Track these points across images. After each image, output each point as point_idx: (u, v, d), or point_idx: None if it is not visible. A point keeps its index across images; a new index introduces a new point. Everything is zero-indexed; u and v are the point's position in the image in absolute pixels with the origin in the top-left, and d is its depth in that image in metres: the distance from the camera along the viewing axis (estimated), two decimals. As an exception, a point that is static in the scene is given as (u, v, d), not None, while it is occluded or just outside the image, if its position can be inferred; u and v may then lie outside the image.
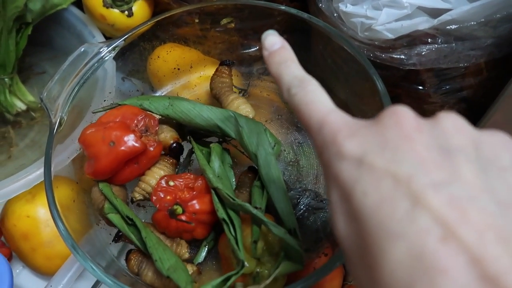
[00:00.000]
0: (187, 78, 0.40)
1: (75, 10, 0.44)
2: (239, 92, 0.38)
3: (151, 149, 0.28)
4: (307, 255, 0.27)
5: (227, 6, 0.37)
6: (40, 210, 0.33)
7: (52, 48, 0.46)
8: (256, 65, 0.42)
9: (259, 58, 0.42)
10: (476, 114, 0.35)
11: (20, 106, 0.42)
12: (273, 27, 0.39)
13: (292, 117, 0.37)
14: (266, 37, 0.20)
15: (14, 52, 0.41)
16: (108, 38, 0.45)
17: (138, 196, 0.30)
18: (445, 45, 0.30)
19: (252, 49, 0.42)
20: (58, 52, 0.46)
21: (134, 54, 0.39)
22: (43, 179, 0.31)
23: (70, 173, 0.33)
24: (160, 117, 0.33)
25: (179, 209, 0.26)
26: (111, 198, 0.29)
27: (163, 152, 0.32)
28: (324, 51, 0.37)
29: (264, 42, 0.20)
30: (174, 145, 0.32)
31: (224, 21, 0.40)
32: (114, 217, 0.28)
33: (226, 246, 0.27)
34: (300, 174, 0.33)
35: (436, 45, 0.30)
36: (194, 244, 0.30)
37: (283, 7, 0.34)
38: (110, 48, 0.34)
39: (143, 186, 0.30)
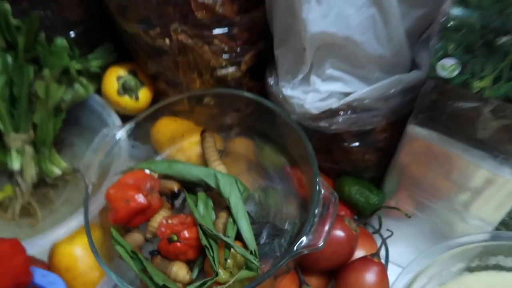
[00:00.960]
0: (181, 144, 0.53)
1: (96, 97, 0.59)
2: (219, 152, 0.52)
3: (154, 203, 0.41)
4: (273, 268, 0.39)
5: (207, 92, 0.52)
6: (78, 249, 0.46)
7: (79, 126, 0.60)
8: (233, 130, 0.56)
9: (235, 124, 0.55)
10: (388, 159, 0.48)
11: (57, 171, 0.56)
12: (242, 101, 0.54)
13: (258, 169, 0.50)
14: None
15: (52, 131, 0.55)
16: (121, 115, 0.59)
17: (149, 235, 0.43)
18: (354, 115, 0.44)
19: (228, 118, 0.56)
20: (84, 129, 0.60)
21: (140, 129, 0.53)
22: (79, 226, 0.45)
23: (98, 221, 0.46)
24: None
25: (175, 237, 0.39)
26: (120, 240, 0.42)
27: (163, 196, 0.45)
28: (280, 121, 0.51)
29: None
30: (176, 191, 0.45)
31: (206, 100, 0.54)
32: (120, 250, 0.41)
33: (209, 265, 0.39)
34: (263, 211, 0.46)
35: (347, 116, 0.44)
36: (189, 266, 0.42)
37: (243, 94, 0.48)
38: (124, 129, 0.48)
39: (150, 229, 0.43)
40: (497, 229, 0.44)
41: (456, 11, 0.29)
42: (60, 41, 0.52)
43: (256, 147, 0.53)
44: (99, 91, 0.59)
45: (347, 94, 0.44)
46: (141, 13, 0.47)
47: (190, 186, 0.47)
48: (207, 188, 0.46)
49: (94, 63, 0.56)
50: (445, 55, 0.31)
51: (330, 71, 0.43)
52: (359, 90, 0.43)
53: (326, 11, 0.40)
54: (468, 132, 0.39)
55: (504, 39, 0.28)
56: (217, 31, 0.48)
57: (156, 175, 0.47)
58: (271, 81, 0.49)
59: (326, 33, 0.40)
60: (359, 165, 0.49)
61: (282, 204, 0.47)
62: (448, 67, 0.31)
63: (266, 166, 0.51)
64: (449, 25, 0.30)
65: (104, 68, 0.57)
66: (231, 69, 0.50)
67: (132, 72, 0.57)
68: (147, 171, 0.47)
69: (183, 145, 0.53)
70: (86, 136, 0.57)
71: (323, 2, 0.40)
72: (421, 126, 0.42)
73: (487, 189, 0.40)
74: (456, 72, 0.31)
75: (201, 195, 0.45)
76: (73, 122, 0.59)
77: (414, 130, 0.42)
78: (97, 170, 0.45)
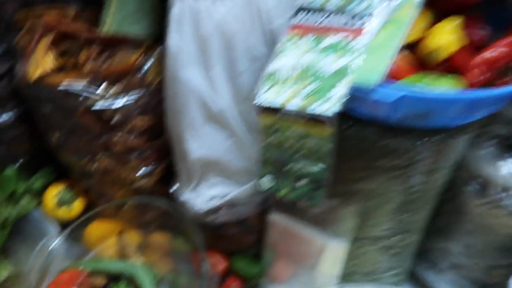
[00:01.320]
0: (108, 242, 0.67)
1: (38, 210, 0.72)
2: (140, 245, 0.66)
3: (83, 294, 0.55)
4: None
5: (125, 201, 0.68)
6: None
7: (23, 234, 0.72)
8: (151, 226, 0.71)
9: (153, 221, 0.71)
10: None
11: (4, 274, 0.67)
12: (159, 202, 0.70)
13: (171, 256, 0.65)
14: None
15: (0, 242, 0.67)
16: (59, 221, 0.72)
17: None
18: (232, 209, 0.62)
19: (147, 216, 0.71)
20: (27, 237, 0.72)
21: (75, 234, 0.66)
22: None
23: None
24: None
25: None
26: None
27: None
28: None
29: None
30: (103, 286, 0.59)
31: (127, 206, 0.70)
32: None
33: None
34: (172, 289, 0.60)
35: (227, 210, 0.61)
36: None
37: (151, 202, 0.64)
38: (60, 237, 0.62)
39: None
40: (342, 281, 0.61)
41: (264, 150, 0.49)
42: (9, 171, 0.67)
43: (170, 238, 0.68)
44: (39, 203, 0.72)
45: (226, 195, 0.62)
46: (74, 148, 0.64)
47: (115, 277, 0.61)
48: (127, 277, 0.60)
49: (36, 184, 0.71)
50: (263, 175, 0.50)
51: (212, 180, 0.62)
52: (233, 191, 0.61)
53: (201, 143, 0.59)
54: (305, 215, 0.58)
55: (287, 167, 0.47)
56: (132, 156, 0.65)
57: (87, 271, 0.60)
58: (174, 188, 0.67)
59: (203, 157, 0.59)
60: (243, 245, 0.66)
61: (188, 282, 0.61)
62: (266, 182, 0.50)
63: (177, 252, 0.66)
64: (262, 158, 0.49)
65: (45, 186, 0.72)
66: (144, 181, 0.67)
67: (68, 188, 0.72)
68: (80, 268, 0.60)
69: (110, 243, 0.67)
70: (29, 243, 0.69)
71: (199, 136, 0.59)
72: (276, 213, 0.60)
73: (323, 254, 0.58)
74: (271, 185, 0.50)
75: (122, 284, 0.58)
76: (18, 232, 0.71)
77: (272, 217, 0.61)
78: (37, 273, 0.58)
